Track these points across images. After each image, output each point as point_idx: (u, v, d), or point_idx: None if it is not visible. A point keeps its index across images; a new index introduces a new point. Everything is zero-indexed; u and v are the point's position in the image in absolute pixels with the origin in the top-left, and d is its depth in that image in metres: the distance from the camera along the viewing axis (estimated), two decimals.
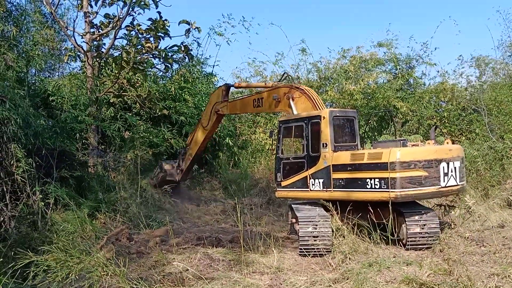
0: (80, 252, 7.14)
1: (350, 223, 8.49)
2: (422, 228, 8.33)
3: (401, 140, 8.97)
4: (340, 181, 8.70)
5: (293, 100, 10.02)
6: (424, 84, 20.75)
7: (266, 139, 18.18)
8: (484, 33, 46.73)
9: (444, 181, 8.30)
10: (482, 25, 42.65)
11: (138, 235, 9.78)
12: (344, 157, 8.71)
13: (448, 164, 8.35)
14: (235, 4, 44.41)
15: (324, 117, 9.07)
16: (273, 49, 39.77)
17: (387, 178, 8.03)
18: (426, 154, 8.28)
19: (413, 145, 9.00)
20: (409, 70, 20.18)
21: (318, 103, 9.61)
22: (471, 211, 9.75)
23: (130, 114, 13.51)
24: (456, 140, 18.00)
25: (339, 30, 44.66)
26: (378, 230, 8.42)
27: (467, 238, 8.53)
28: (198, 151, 12.91)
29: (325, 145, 8.94)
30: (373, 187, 8.23)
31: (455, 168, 8.44)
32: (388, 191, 8.04)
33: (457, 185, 8.54)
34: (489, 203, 11.92)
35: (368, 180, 8.30)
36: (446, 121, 18.78)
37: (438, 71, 20.15)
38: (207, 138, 12.79)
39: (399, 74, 19.73)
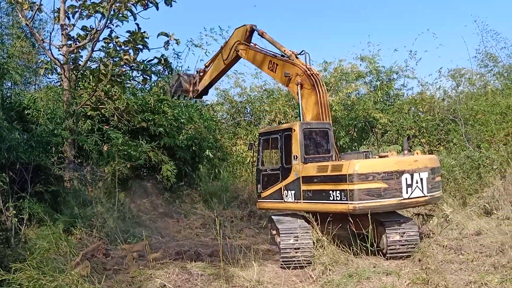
0: (54, 269, 6.94)
1: (331, 234, 8.44)
2: (402, 237, 8.41)
3: (364, 151, 9.06)
4: (308, 192, 8.76)
5: (301, 88, 9.91)
6: (403, 95, 21.01)
7: (247, 151, 18.12)
8: (461, 44, 47.67)
9: (407, 193, 8.17)
10: (459, 36, 43.55)
11: (115, 250, 9.61)
12: (312, 169, 8.77)
13: (412, 175, 8.22)
14: (216, 17, 44.51)
15: (294, 130, 9.18)
16: None
17: (346, 190, 8.07)
18: (385, 166, 8.21)
19: (381, 156, 8.95)
20: (389, 82, 20.39)
21: (323, 109, 9.63)
22: (448, 220, 9.82)
23: (108, 127, 13.31)
24: (435, 150, 18.18)
25: (323, 43, 45.02)
26: (358, 241, 8.41)
27: (446, 246, 8.59)
28: (214, 78, 12.83)
29: (295, 157, 9.04)
30: (335, 199, 8.27)
31: (421, 179, 8.27)
32: (347, 203, 8.06)
33: (425, 196, 8.35)
34: (466, 211, 12.05)
35: (331, 192, 8.34)
36: (425, 131, 18.98)
37: (419, 81, 20.37)
38: (223, 71, 12.64)
39: (379, 86, 19.92)
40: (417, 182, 8.24)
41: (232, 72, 20.63)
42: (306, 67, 10.00)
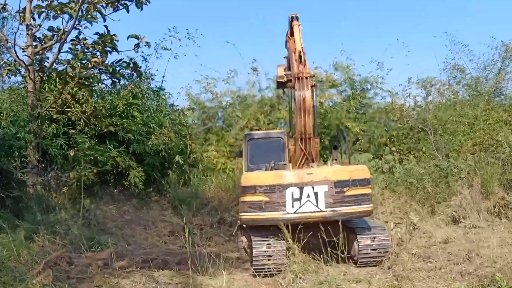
0: (14, 279, 6.70)
1: (302, 242, 8.32)
2: (373, 244, 8.35)
3: (272, 162, 8.96)
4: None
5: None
6: (375, 104, 21.27)
7: (218, 157, 18.01)
8: (430, 55, 48.79)
9: (293, 207, 7.96)
10: (429, 47, 44.45)
11: (79, 258, 9.27)
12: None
13: (301, 189, 7.96)
14: (189, 20, 44.29)
15: (243, 139, 9.31)
16: (228, 66, 39.78)
17: (239, 201, 8.35)
18: (268, 179, 8.14)
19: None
20: (362, 92, 20.62)
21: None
22: (416, 228, 9.89)
23: (74, 131, 12.95)
24: (405, 158, 18.41)
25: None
26: (329, 248, 8.33)
27: (414, 254, 8.61)
28: None
29: (243, 166, 9.12)
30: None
31: (315, 193, 7.95)
32: (240, 215, 8.37)
33: (321, 211, 7.98)
34: (435, 219, 12.24)
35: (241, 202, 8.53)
36: (395, 139, 19.21)
37: (389, 91, 20.66)
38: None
39: (353, 96, 20.12)
40: (308, 196, 7.94)
41: (204, 77, 20.55)
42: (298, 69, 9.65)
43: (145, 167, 13.97)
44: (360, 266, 8.35)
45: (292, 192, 7.96)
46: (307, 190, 7.94)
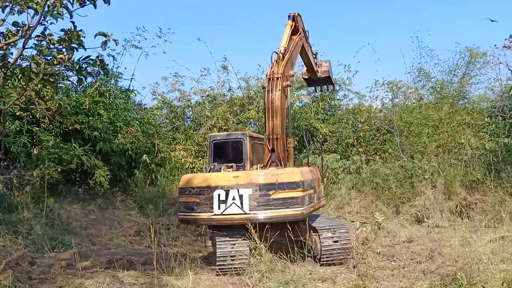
0: None
1: (269, 242, 8.37)
2: (335, 243, 8.52)
3: (213, 164, 9.19)
4: None
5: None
6: (343, 105, 21.49)
7: (186, 156, 17.85)
8: (399, 58, 49.80)
9: (219, 209, 8.17)
10: (398, 50, 45.53)
11: (42, 259, 9.05)
12: None
13: (227, 191, 8.15)
14: (162, 17, 43.82)
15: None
16: (200, 64, 39.43)
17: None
18: (199, 181, 8.46)
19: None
20: (331, 93, 20.78)
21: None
22: (381, 227, 10.08)
23: (38, 128, 12.63)
24: (371, 159, 18.69)
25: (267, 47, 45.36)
26: (295, 247, 8.48)
27: (379, 253, 8.76)
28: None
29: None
30: None
31: (240, 196, 8.09)
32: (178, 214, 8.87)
33: (245, 213, 8.11)
34: (399, 219, 12.46)
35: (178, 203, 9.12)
36: (362, 140, 19.46)
37: (357, 93, 20.93)
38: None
39: (322, 97, 20.25)
40: (234, 199, 8.12)
41: (173, 75, 20.34)
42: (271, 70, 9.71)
43: (111, 166, 13.72)
44: (323, 265, 8.47)
45: (219, 194, 8.17)
46: (232, 193, 8.12)
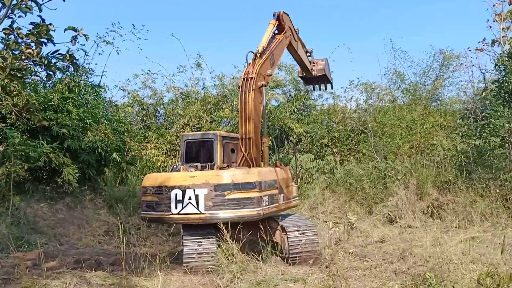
0: None
1: (241, 242, 8.35)
2: (303, 242, 8.63)
3: (175, 164, 9.36)
4: None
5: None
6: (318, 105, 21.53)
7: (158, 155, 17.61)
8: (374, 60, 50.43)
9: (176, 208, 8.25)
10: (373, 52, 46.12)
11: (7, 259, 8.90)
12: None
13: (184, 191, 8.23)
14: (133, 13, 43.29)
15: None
16: (175, 61, 39.03)
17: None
18: (159, 180, 8.57)
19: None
20: (306, 93, 20.80)
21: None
22: (354, 227, 10.08)
23: (4, 125, 12.27)
24: (345, 159, 18.77)
25: (236, 47, 45.29)
26: (266, 247, 8.51)
27: (352, 253, 8.81)
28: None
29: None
30: None
31: (196, 195, 8.17)
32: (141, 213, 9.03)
33: (200, 213, 8.18)
34: (372, 219, 12.52)
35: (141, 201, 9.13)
36: (337, 141, 19.53)
37: (332, 94, 20.98)
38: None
39: (297, 97, 20.25)
40: (190, 199, 8.19)
41: (145, 72, 20.05)
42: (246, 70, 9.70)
43: (80, 164, 13.41)
44: (291, 264, 8.50)
45: (176, 194, 8.25)
46: (189, 193, 8.20)
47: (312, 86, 14.62)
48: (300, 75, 13.88)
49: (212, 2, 45.47)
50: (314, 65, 13.10)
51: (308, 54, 12.81)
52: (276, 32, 10.73)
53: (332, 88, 14.74)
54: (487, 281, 6.20)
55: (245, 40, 44.00)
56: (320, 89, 14.60)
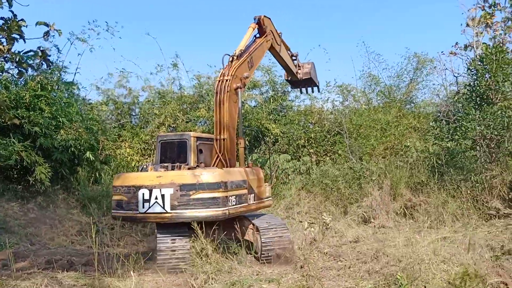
0: None
1: (216, 242, 8.44)
2: (274, 241, 8.76)
3: (145, 164, 9.64)
4: None
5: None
6: (294, 106, 21.59)
7: (133, 154, 17.42)
8: (348, 62, 50.98)
9: (143, 207, 8.42)
10: (348, 55, 46.50)
11: None
12: None
13: (151, 191, 8.39)
14: (109, 12, 42.80)
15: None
16: (151, 60, 38.59)
17: None
18: (127, 180, 8.77)
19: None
20: (283, 94, 20.84)
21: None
22: (328, 228, 10.17)
23: None
24: (321, 160, 18.88)
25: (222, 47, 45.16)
26: (243, 248, 8.65)
27: (326, 253, 8.83)
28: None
29: None
30: None
31: (162, 195, 8.34)
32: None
33: (166, 213, 8.34)
34: (347, 219, 12.62)
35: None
36: (313, 141, 19.62)
37: (309, 95, 21.05)
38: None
39: (273, 97, 20.27)
40: (156, 198, 8.36)
41: (120, 71, 19.82)
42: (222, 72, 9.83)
43: (53, 163, 13.23)
44: (264, 263, 8.61)
45: (143, 193, 8.41)
46: (155, 192, 8.34)
47: (299, 89, 14.71)
48: (286, 78, 13.95)
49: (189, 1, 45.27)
50: (299, 69, 13.22)
51: (293, 58, 12.94)
52: (258, 35, 10.89)
53: (319, 91, 14.92)
54: (456, 281, 6.30)
55: (224, 40, 43.98)
56: (307, 92, 14.70)
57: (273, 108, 19.87)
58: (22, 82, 14.05)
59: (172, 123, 18.06)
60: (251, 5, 43.80)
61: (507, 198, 12.12)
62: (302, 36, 43.04)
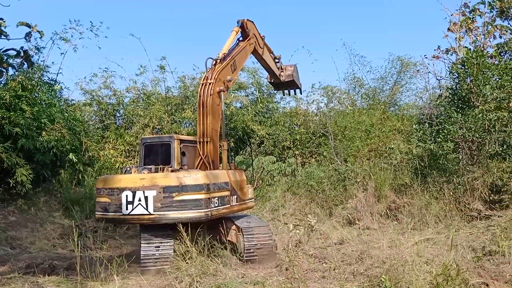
0: None
1: (200, 244, 8.43)
2: (257, 241, 9.01)
3: (128, 166, 9.61)
4: None
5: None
6: (280, 108, 21.61)
7: (116, 156, 17.24)
8: (333, 65, 51.36)
9: (127, 209, 8.52)
10: (332, 57, 46.79)
11: None
12: None
13: (134, 192, 8.49)
14: (97, 12, 42.39)
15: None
16: (135, 61, 38.31)
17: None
18: (111, 182, 8.88)
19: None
20: (269, 96, 20.84)
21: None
22: (314, 229, 10.21)
23: None
24: (307, 162, 18.91)
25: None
26: (228, 249, 8.80)
27: (311, 255, 8.90)
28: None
29: None
30: None
31: (146, 197, 8.45)
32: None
33: (149, 214, 8.45)
34: (332, 221, 12.65)
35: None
36: (298, 143, 19.65)
37: (294, 97, 21.07)
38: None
39: (259, 99, 20.26)
40: (140, 200, 8.46)
41: (103, 71, 19.60)
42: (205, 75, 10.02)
43: (34, 164, 13.09)
44: (246, 263, 8.83)
45: (127, 195, 8.51)
46: (139, 194, 8.45)
47: (281, 91, 14.84)
48: (269, 80, 14.09)
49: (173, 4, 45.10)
50: (282, 71, 13.39)
51: (276, 60, 13.12)
52: (241, 39, 11.05)
53: (301, 93, 15.13)
54: (438, 279, 6.35)
55: (208, 41, 43.90)
56: (289, 94, 14.84)
57: (258, 110, 19.86)
58: (3, 82, 13.86)
59: (157, 125, 17.93)
60: (238, 8, 43.83)
61: (489, 199, 12.24)
62: (287, 37, 43.22)
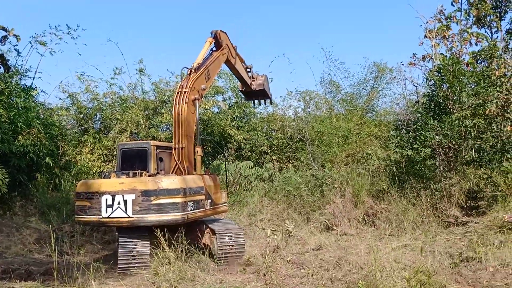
0: None
1: (176, 246, 8.56)
2: (230, 243, 9.45)
3: (107, 171, 10.09)
4: None
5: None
6: (257, 113, 21.61)
7: (94, 160, 17.04)
8: (309, 69, 51.62)
9: (106, 212, 8.80)
10: (309, 61, 47.12)
11: None
12: None
13: (113, 196, 8.77)
14: (75, 16, 41.87)
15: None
16: (112, 66, 37.89)
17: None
18: (91, 186, 9.14)
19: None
20: (246, 101, 20.79)
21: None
22: (291, 235, 10.28)
23: None
24: (284, 167, 18.96)
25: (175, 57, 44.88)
26: (205, 253, 8.96)
27: (289, 261, 8.98)
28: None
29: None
30: None
31: (125, 201, 8.72)
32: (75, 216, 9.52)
33: (128, 217, 8.73)
34: (309, 226, 12.68)
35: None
36: (276, 148, 19.70)
37: (271, 102, 21.10)
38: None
39: (237, 104, 20.25)
40: (119, 204, 8.75)
41: (87, 76, 19.36)
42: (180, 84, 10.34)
43: (10, 169, 12.91)
44: (219, 264, 9.16)
45: (106, 199, 8.79)
46: (118, 198, 8.76)
47: (253, 100, 15.19)
48: (241, 89, 14.44)
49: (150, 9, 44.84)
50: (253, 80, 13.79)
51: (248, 70, 13.51)
52: (214, 49, 11.47)
53: (271, 103, 15.46)
54: (411, 281, 6.45)
55: (184, 46, 43.76)
56: (260, 104, 15.24)
57: (236, 115, 19.86)
58: None
59: (135, 129, 17.78)
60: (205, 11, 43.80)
61: (465, 206, 12.44)
62: (266, 45, 43.33)
